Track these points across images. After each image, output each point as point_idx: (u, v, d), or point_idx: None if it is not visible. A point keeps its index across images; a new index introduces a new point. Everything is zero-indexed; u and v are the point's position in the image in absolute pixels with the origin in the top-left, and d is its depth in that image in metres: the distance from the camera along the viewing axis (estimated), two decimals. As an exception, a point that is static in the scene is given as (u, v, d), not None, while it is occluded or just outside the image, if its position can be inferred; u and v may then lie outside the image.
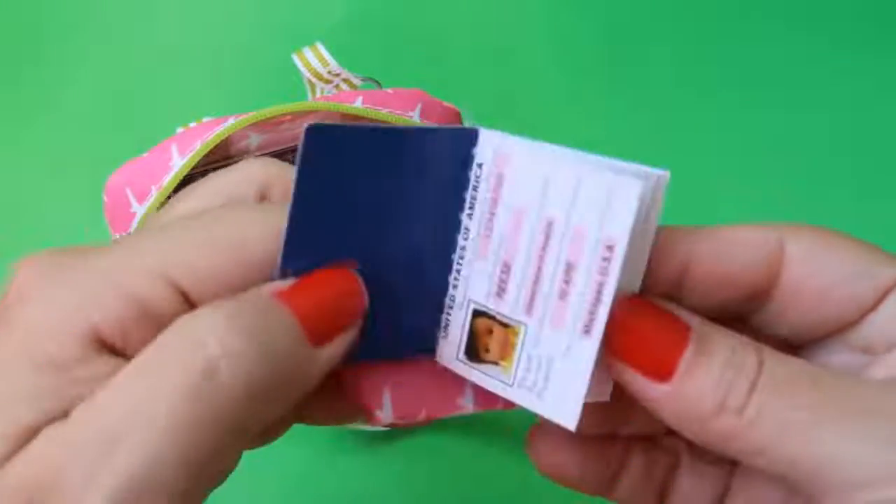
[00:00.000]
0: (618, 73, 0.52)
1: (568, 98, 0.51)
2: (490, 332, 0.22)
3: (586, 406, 0.20)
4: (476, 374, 0.22)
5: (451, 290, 0.22)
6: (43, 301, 0.18)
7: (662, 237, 0.20)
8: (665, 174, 0.20)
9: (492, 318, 0.22)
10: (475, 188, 0.21)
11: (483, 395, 0.23)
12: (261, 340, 0.18)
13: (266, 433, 0.23)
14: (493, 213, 0.21)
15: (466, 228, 0.22)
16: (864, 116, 0.50)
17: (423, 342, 0.23)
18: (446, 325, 0.23)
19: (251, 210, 0.20)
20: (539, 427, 0.23)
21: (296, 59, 0.39)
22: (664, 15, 0.53)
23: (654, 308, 0.20)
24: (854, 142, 0.50)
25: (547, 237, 0.20)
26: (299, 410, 0.23)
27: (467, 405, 0.24)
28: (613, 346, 0.20)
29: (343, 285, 0.21)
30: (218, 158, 0.35)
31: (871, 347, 0.21)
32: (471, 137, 0.21)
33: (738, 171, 0.49)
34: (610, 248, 0.19)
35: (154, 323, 0.18)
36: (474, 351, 0.22)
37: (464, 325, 0.22)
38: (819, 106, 0.50)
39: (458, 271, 0.22)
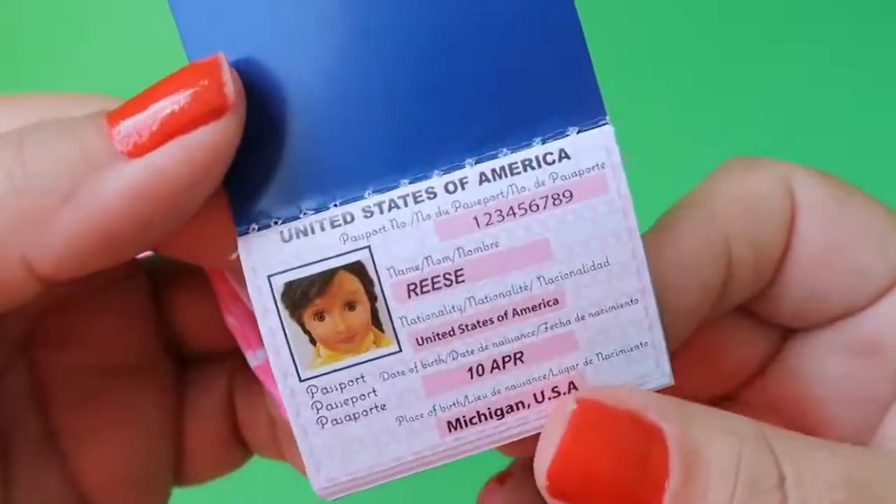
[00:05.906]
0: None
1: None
2: (349, 305, 0.15)
3: None
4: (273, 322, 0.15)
5: (364, 196, 0.15)
6: None
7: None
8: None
9: (372, 295, 0.15)
10: (529, 164, 0.15)
11: None
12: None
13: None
14: (509, 215, 0.15)
15: (463, 180, 0.15)
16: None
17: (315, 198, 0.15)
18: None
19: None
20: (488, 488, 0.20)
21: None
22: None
23: (607, 410, 0.13)
24: None
25: (531, 310, 0.15)
26: None
27: None
28: (554, 481, 0.13)
29: (191, 77, 0.14)
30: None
31: (875, 347, 0.17)
32: None
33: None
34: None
35: None
36: (303, 302, 0.15)
37: (326, 259, 0.15)
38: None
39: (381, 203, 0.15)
